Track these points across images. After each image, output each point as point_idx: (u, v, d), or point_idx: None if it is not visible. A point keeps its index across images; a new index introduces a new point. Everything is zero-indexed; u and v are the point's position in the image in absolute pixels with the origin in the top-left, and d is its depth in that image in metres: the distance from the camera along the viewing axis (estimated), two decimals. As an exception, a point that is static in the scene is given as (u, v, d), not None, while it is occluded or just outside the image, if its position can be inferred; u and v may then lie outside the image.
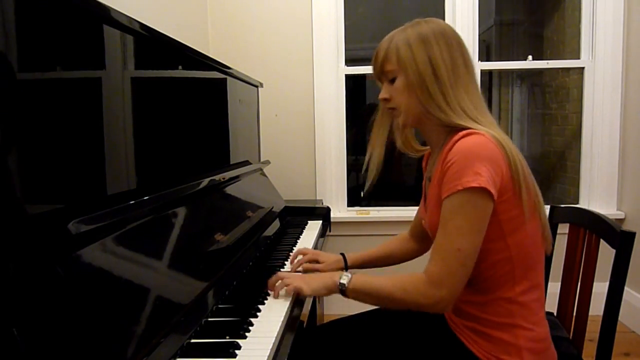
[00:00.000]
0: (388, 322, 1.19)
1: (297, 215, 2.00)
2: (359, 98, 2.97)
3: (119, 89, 0.91)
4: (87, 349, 0.64)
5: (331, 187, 2.56)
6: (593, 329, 1.13)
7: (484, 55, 3.41)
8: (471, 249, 0.91)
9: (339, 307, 2.16)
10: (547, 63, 2.65)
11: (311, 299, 1.39)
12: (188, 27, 2.23)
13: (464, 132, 0.94)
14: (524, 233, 0.97)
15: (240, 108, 1.73)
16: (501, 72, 3.44)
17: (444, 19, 2.44)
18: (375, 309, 1.21)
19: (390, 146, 1.18)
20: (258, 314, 0.99)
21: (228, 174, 1.44)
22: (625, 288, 1.05)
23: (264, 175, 2.02)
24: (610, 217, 1.22)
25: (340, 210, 2.59)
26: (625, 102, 2.42)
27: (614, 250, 1.04)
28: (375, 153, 1.16)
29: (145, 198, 0.92)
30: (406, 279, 0.97)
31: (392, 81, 1.04)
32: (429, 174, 1.12)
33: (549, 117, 3.25)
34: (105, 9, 0.84)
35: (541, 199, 0.99)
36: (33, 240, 0.66)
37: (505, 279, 0.99)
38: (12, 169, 0.63)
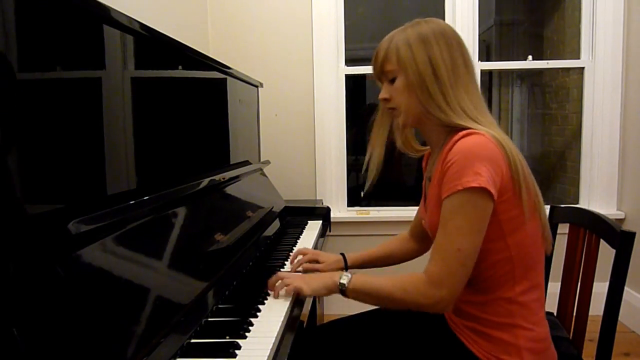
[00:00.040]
0: (388, 322, 1.19)
1: (297, 215, 2.00)
2: (359, 98, 2.97)
3: (119, 89, 0.91)
4: (87, 349, 0.64)
5: (331, 187, 2.56)
6: (593, 329, 1.13)
7: (484, 55, 3.42)
8: (471, 249, 0.91)
9: (339, 307, 2.16)
10: (547, 63, 2.65)
11: (311, 299, 1.39)
12: (188, 27, 2.23)
13: (464, 132, 0.94)
14: (524, 233, 0.97)
15: (240, 108, 1.73)
16: (501, 72, 3.44)
17: (444, 19, 2.44)
18: (375, 309, 1.21)
19: (390, 146, 1.18)
20: (258, 314, 0.99)
21: (228, 174, 1.44)
22: (625, 288, 1.05)
23: (264, 175, 2.02)
24: (610, 217, 1.22)
25: (340, 210, 2.59)
26: (625, 102, 2.42)
27: (614, 250, 1.04)
28: (375, 153, 1.16)
29: (145, 198, 0.92)
30: (406, 279, 0.97)
31: (392, 81, 1.04)
32: (429, 174, 1.12)
33: (549, 117, 3.25)
34: (105, 9, 0.84)
35: (541, 199, 0.99)
36: (33, 240, 0.66)
37: (505, 279, 0.99)
38: (12, 169, 0.63)
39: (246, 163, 1.78)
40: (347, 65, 2.55)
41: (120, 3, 0.93)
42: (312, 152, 2.54)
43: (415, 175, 3.05)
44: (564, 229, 1.32)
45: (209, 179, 1.26)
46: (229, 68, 1.56)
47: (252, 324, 0.93)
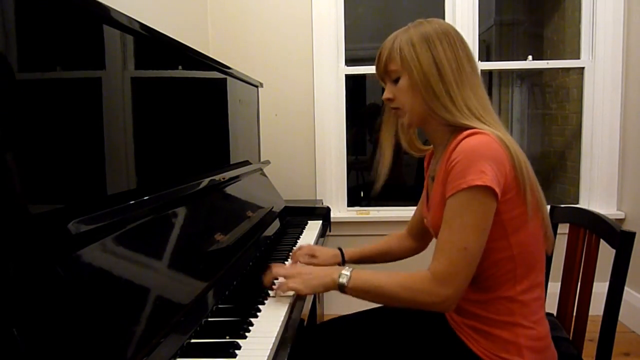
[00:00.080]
0: (388, 320, 1.19)
1: (297, 215, 2.00)
2: (359, 98, 2.97)
3: (119, 89, 0.91)
4: (87, 349, 0.64)
5: (331, 187, 2.56)
6: (593, 329, 1.13)
7: (484, 55, 3.42)
8: (477, 247, 0.92)
9: (339, 307, 2.16)
10: (547, 63, 2.65)
11: (311, 298, 1.39)
12: (188, 27, 2.23)
13: (468, 131, 0.95)
14: (526, 232, 0.97)
15: (240, 108, 1.73)
16: (501, 72, 3.44)
17: (444, 19, 2.44)
18: (376, 308, 1.21)
19: (394, 146, 1.18)
20: (258, 314, 0.99)
21: (228, 174, 1.44)
22: (625, 288, 1.05)
23: (264, 175, 2.02)
24: (610, 217, 1.22)
25: (340, 210, 2.59)
26: (625, 102, 2.42)
27: (614, 250, 1.04)
28: (385, 154, 1.16)
29: (145, 198, 0.92)
30: (411, 277, 0.96)
31: (396, 81, 1.04)
32: (432, 173, 1.12)
33: (549, 117, 3.25)
34: (105, 9, 0.84)
35: (544, 199, 1.00)
36: (33, 240, 0.66)
37: (507, 277, 0.99)
38: (12, 169, 0.63)
39: (246, 163, 1.78)
40: (347, 65, 2.55)
41: (120, 3, 0.93)
42: (312, 152, 2.54)
43: (415, 175, 3.05)
44: (564, 229, 1.32)
45: (209, 179, 1.26)
46: (229, 68, 1.56)
47: (252, 324, 0.93)
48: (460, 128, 0.97)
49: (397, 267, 1.17)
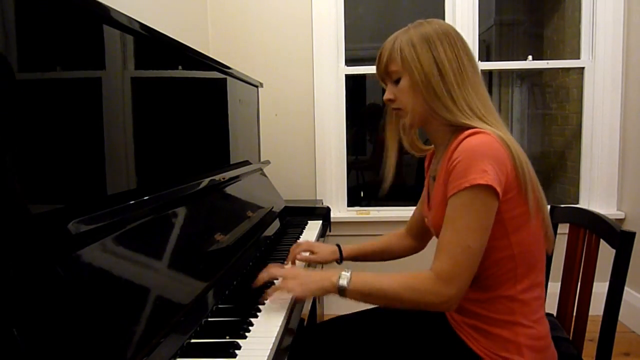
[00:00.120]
0: (388, 320, 1.19)
1: (297, 215, 2.00)
2: (359, 98, 2.97)
3: (119, 89, 0.91)
4: (87, 349, 0.64)
5: (331, 187, 2.56)
6: (593, 329, 1.13)
7: (484, 55, 3.41)
8: (479, 246, 0.92)
9: (339, 307, 2.16)
10: (547, 63, 2.65)
11: (311, 298, 1.39)
12: (188, 27, 2.23)
13: (470, 131, 0.95)
14: (526, 232, 0.97)
15: (240, 108, 1.73)
16: (501, 72, 3.44)
17: (444, 19, 2.44)
18: (376, 307, 1.21)
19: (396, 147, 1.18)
20: (258, 314, 0.99)
21: (228, 174, 1.44)
22: (625, 288, 1.05)
23: (264, 175, 2.02)
24: (610, 217, 1.22)
25: (340, 210, 2.59)
26: (625, 102, 2.42)
27: (614, 250, 1.04)
28: (391, 155, 1.16)
29: (145, 198, 0.92)
30: (414, 278, 0.95)
31: (397, 82, 1.04)
32: (433, 173, 1.12)
33: (549, 117, 3.25)
34: (105, 9, 0.84)
35: (544, 198, 1.00)
36: (33, 240, 0.66)
37: (508, 276, 0.99)
38: (12, 169, 0.63)
39: (246, 163, 1.78)
40: (347, 65, 2.55)
41: (120, 3, 0.93)
42: (312, 152, 2.54)
43: (415, 175, 3.05)
44: (564, 229, 1.32)
45: (209, 179, 1.26)
46: (229, 68, 1.56)
47: (252, 324, 0.93)
48: (461, 128, 0.98)
49: (394, 267, 1.17)
